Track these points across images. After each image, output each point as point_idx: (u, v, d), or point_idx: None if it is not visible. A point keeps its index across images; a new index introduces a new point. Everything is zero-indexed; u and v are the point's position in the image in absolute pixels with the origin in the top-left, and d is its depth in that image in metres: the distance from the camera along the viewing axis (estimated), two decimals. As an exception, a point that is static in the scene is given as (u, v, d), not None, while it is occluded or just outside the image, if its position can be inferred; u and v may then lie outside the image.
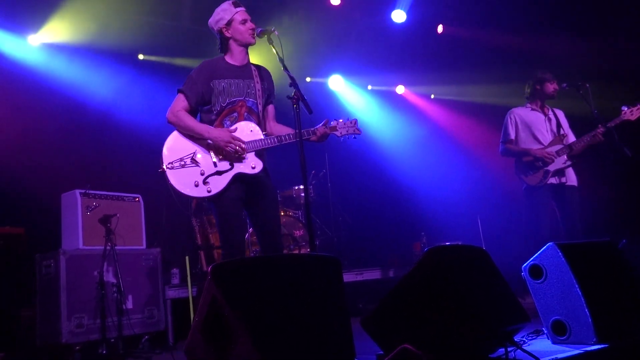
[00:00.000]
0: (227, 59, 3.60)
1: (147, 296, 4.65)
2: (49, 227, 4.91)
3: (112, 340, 4.30)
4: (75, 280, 4.27)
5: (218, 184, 3.38)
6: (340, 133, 3.65)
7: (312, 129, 3.56)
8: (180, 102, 3.47)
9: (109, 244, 4.31)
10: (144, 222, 4.89)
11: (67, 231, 4.61)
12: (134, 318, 4.45)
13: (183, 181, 3.35)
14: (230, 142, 3.38)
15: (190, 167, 3.39)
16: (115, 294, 4.31)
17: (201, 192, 3.36)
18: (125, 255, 4.55)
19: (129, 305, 4.48)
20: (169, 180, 3.35)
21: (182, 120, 3.43)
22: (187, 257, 4.88)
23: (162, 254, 4.86)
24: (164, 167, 3.36)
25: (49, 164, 5.64)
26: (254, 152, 3.48)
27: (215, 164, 3.41)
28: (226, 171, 3.42)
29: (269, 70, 3.81)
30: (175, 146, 3.43)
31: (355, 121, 3.70)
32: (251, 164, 3.46)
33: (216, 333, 2.19)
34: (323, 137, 3.59)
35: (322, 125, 3.59)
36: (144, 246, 4.84)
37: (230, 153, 3.40)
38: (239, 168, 3.43)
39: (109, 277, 4.37)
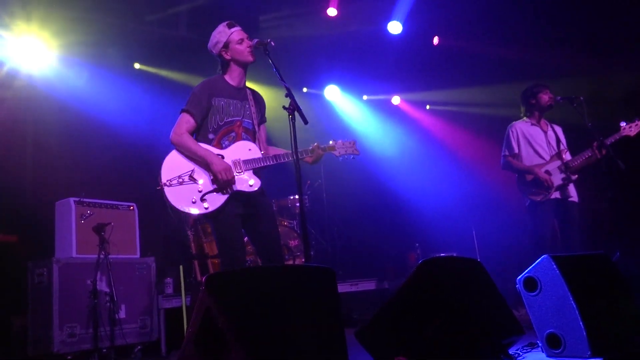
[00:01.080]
0: (227, 78, 3.62)
1: (141, 306, 4.62)
2: (42, 235, 4.89)
3: (105, 350, 4.27)
4: (68, 289, 4.25)
5: (216, 201, 3.38)
6: (339, 153, 3.68)
7: (309, 149, 3.59)
8: (184, 124, 3.47)
9: (103, 252, 4.29)
10: (138, 231, 4.87)
11: (60, 239, 4.59)
12: (126, 328, 4.43)
13: (180, 198, 3.35)
14: (226, 172, 3.38)
15: (188, 184, 3.39)
16: (108, 303, 4.29)
17: (199, 209, 3.36)
18: (119, 264, 4.53)
19: (122, 314, 4.45)
20: (166, 198, 3.34)
21: (185, 143, 3.43)
22: (181, 267, 4.86)
23: (156, 263, 4.84)
24: (162, 184, 3.36)
25: (43, 171, 5.62)
26: (251, 170, 3.50)
27: (212, 182, 3.41)
28: None
29: (266, 79, 3.87)
30: (173, 164, 3.43)
31: (354, 142, 3.73)
32: (249, 182, 3.47)
33: (210, 344, 2.18)
34: (317, 159, 3.64)
35: (316, 146, 3.61)
36: (138, 255, 4.82)
37: (219, 180, 3.38)
38: (237, 186, 3.44)
39: (102, 286, 4.34)
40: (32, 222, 5.23)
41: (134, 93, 6.29)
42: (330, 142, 3.69)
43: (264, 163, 3.52)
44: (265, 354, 2.14)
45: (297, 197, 6.40)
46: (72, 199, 4.56)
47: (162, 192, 3.36)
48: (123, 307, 4.49)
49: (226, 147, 3.51)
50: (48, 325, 4.13)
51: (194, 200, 3.36)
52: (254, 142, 3.59)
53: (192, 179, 3.41)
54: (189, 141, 3.45)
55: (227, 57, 3.57)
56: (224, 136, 3.52)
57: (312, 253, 6.38)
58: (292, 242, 6.04)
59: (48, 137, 5.75)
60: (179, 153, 3.47)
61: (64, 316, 4.17)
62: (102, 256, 4.28)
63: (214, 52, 3.60)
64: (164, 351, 4.71)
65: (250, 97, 3.66)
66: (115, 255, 4.51)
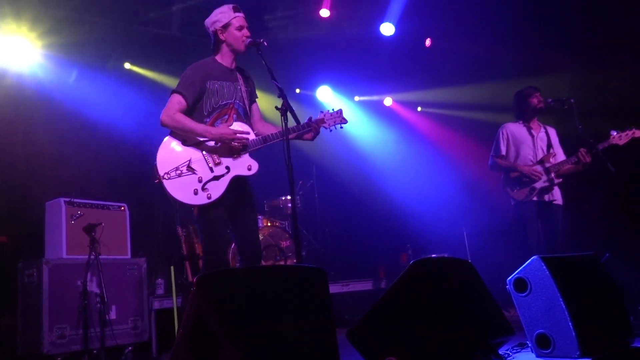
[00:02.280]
0: (219, 60, 3.61)
1: (131, 306, 4.60)
2: (32, 236, 4.86)
3: (95, 351, 4.24)
4: (58, 290, 4.21)
5: (217, 189, 3.36)
6: (328, 124, 3.65)
7: (305, 123, 3.52)
8: (175, 104, 3.42)
9: (93, 253, 4.27)
10: (129, 232, 4.85)
11: (50, 240, 4.56)
12: (117, 329, 4.40)
13: (182, 190, 3.32)
14: (235, 137, 3.40)
15: (187, 175, 3.35)
16: (99, 304, 4.26)
17: (201, 199, 3.33)
18: (110, 264, 4.51)
19: (113, 315, 4.43)
20: (167, 191, 3.30)
21: (180, 122, 3.38)
22: (172, 267, 4.85)
23: (147, 263, 4.82)
24: (160, 177, 3.32)
25: (33, 171, 5.58)
26: (248, 154, 3.49)
27: (211, 169, 3.39)
28: (223, 175, 3.40)
29: (256, 78, 3.84)
30: (168, 155, 3.39)
31: (341, 111, 3.70)
32: (247, 165, 3.46)
33: (201, 344, 2.17)
34: (316, 134, 3.60)
35: (309, 121, 3.57)
36: (129, 256, 4.80)
37: (237, 148, 3.41)
38: (236, 171, 3.42)
39: (93, 287, 4.32)
40: (22, 222, 5.19)
41: (125, 93, 6.26)
42: (319, 115, 3.64)
43: (259, 145, 3.50)
44: (256, 353, 2.14)
45: (289, 197, 6.42)
46: (62, 199, 4.53)
47: (161, 185, 3.31)
48: (114, 308, 4.46)
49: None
50: (38, 326, 4.10)
51: (195, 191, 3.32)
52: (246, 124, 3.59)
53: (191, 169, 3.37)
54: (184, 119, 3.40)
55: (222, 38, 3.56)
56: (217, 119, 3.50)
57: (303, 254, 6.38)
58: (284, 242, 6.03)
59: (38, 137, 5.71)
60: (172, 143, 3.42)
61: (54, 317, 4.14)
62: (92, 257, 4.25)
63: (210, 29, 3.59)
64: (155, 352, 4.69)
65: (240, 78, 3.65)
66: (106, 255, 4.48)
